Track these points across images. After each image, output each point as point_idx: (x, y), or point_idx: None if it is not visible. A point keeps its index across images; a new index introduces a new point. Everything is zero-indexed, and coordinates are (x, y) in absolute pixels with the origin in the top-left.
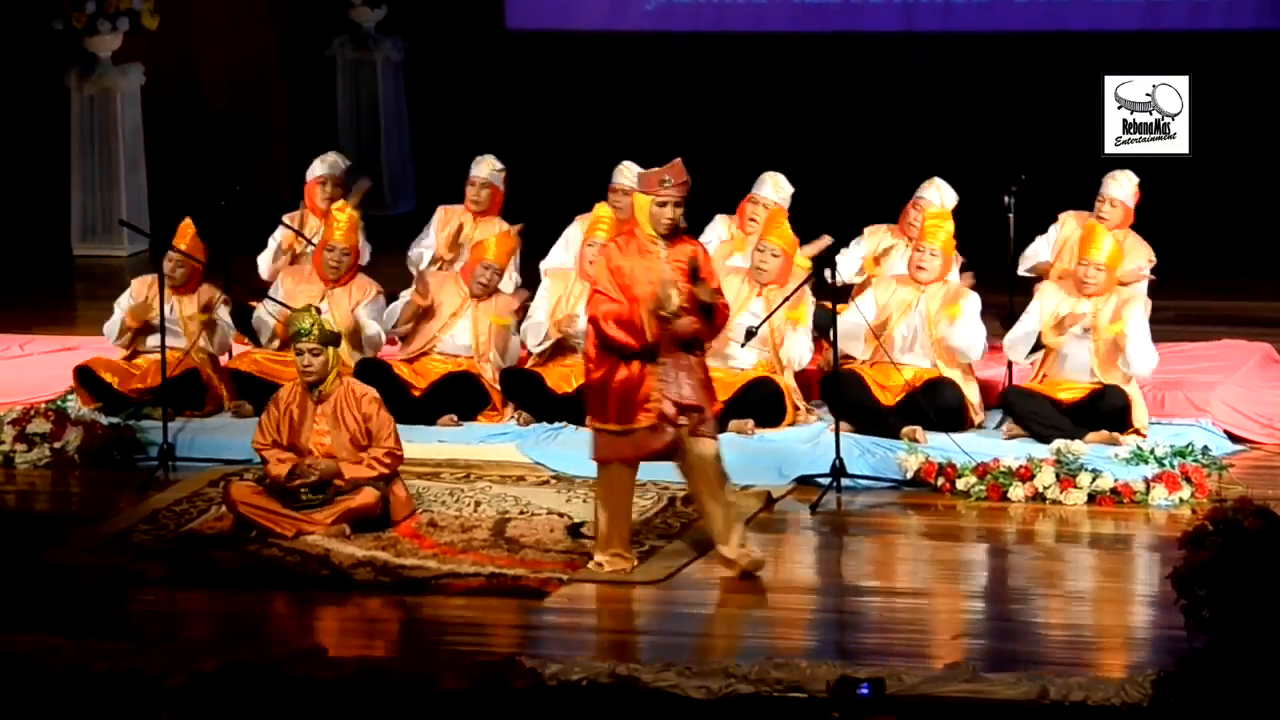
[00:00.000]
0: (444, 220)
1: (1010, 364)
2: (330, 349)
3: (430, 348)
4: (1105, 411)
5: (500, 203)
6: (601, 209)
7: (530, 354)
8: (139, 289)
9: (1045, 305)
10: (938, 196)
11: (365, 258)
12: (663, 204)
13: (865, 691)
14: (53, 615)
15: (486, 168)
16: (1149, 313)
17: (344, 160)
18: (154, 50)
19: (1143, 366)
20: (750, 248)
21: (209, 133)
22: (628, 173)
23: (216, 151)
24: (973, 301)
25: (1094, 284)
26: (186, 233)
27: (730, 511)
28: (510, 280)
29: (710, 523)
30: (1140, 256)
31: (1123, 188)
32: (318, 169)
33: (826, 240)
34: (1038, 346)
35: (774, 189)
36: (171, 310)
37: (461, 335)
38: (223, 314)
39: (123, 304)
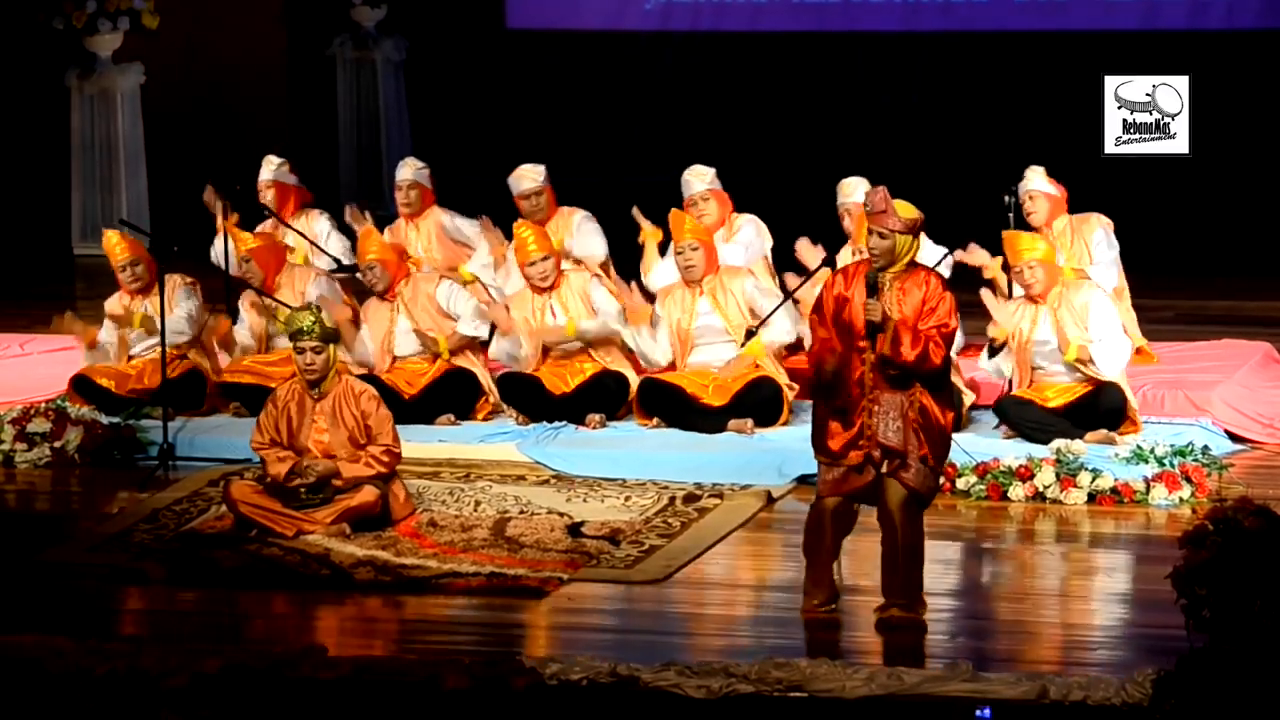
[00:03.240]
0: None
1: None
2: (331, 346)
3: (394, 361)
4: (1104, 411)
5: (432, 200)
6: (519, 227)
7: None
8: (114, 305)
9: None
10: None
11: (341, 253)
12: (869, 231)
13: (986, 714)
14: (53, 615)
15: (410, 169)
16: (1124, 297)
17: (277, 158)
18: (154, 50)
19: (1114, 369)
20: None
21: (209, 132)
22: (526, 172)
23: (217, 151)
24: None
25: (1038, 283)
26: (117, 243)
27: (897, 566)
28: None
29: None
30: (1095, 226)
31: (1033, 182)
32: (265, 173)
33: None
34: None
35: (699, 181)
36: (148, 310)
37: (406, 335)
38: (183, 309)
39: (110, 337)
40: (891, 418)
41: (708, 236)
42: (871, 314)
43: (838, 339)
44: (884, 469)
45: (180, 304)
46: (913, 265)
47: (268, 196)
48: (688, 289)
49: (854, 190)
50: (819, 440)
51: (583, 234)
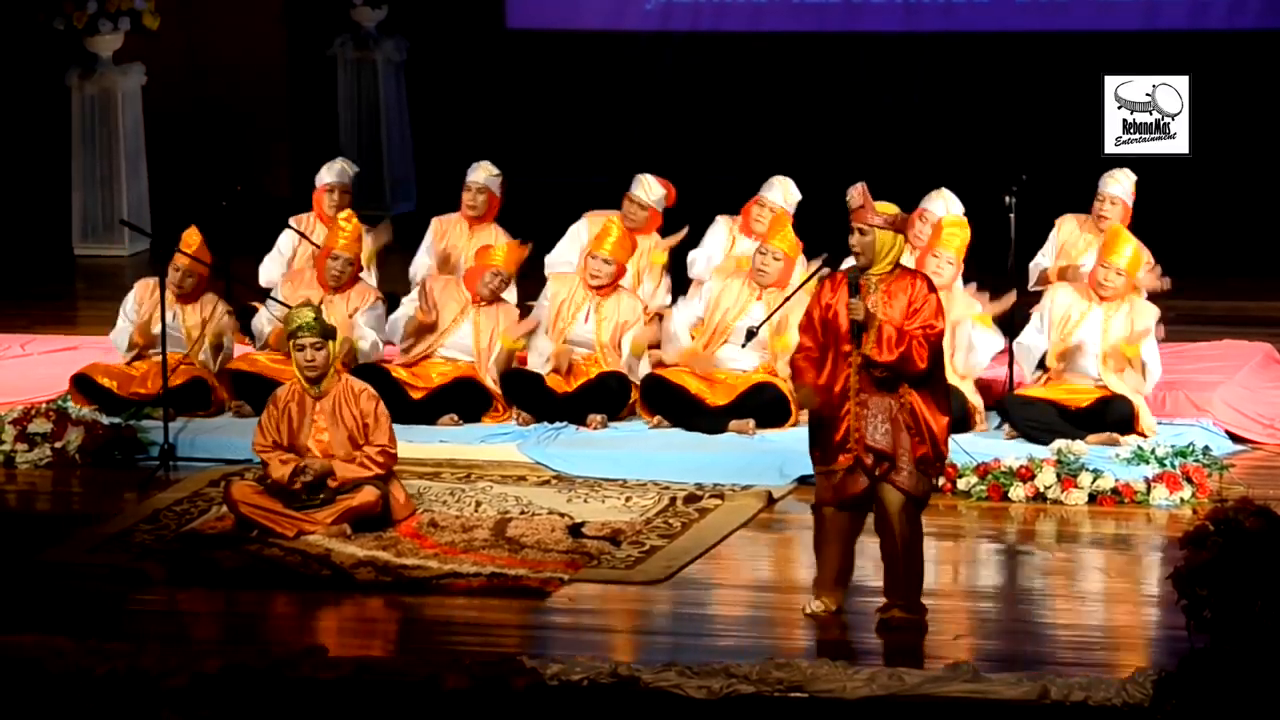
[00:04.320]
0: (439, 233)
1: (1011, 364)
2: (331, 343)
3: (431, 352)
4: (1113, 421)
5: (497, 209)
6: (613, 221)
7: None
8: (142, 293)
9: (1056, 308)
10: (943, 207)
11: (371, 276)
12: (851, 229)
13: None
14: (54, 615)
15: (483, 173)
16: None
17: (352, 167)
18: (155, 50)
19: (1149, 386)
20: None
21: (210, 132)
22: (646, 184)
23: (217, 151)
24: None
25: (1111, 288)
26: (193, 240)
27: (897, 568)
28: (510, 293)
29: (887, 576)
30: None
31: (1122, 185)
32: (326, 176)
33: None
34: (1042, 363)
35: (783, 194)
36: (174, 318)
37: (464, 338)
38: (228, 340)
39: (128, 309)
40: (879, 420)
41: (796, 254)
42: (854, 312)
43: (826, 344)
44: (875, 473)
45: (222, 331)
46: (898, 268)
47: (329, 199)
48: (749, 285)
49: (931, 201)
50: (811, 446)
51: (663, 285)
